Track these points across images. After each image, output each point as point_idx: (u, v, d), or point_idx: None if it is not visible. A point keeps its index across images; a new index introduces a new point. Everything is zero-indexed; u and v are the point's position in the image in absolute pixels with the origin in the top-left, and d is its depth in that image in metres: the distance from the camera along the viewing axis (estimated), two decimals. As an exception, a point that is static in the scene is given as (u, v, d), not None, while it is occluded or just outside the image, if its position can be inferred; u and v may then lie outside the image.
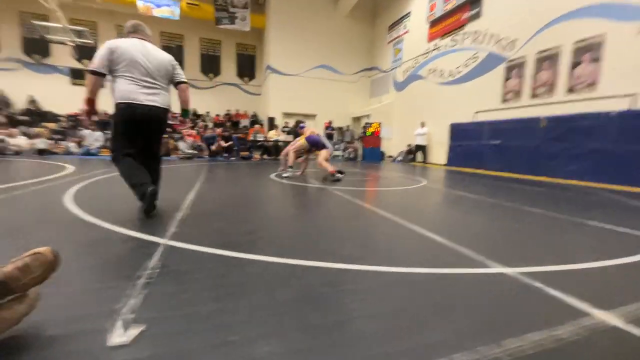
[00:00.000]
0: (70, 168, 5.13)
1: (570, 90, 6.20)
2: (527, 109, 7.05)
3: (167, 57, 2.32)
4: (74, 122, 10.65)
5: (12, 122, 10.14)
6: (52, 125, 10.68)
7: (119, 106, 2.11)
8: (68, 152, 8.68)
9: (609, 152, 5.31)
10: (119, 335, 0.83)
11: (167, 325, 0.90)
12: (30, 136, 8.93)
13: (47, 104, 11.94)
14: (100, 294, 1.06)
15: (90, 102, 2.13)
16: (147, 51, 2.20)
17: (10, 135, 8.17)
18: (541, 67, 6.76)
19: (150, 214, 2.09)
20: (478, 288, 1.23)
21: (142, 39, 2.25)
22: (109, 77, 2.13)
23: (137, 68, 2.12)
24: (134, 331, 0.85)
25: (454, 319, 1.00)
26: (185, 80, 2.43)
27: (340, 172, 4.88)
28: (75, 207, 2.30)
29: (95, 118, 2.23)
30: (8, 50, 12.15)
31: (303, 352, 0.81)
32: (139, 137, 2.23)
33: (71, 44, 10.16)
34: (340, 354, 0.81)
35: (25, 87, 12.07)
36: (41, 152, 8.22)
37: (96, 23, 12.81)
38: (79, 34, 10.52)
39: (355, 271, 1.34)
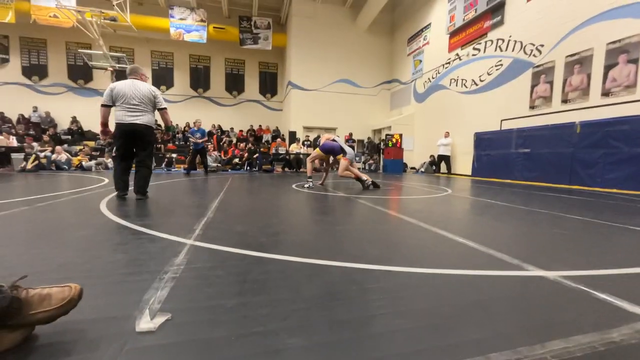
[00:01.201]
0: (106, 180, 5.45)
1: (606, 93, 5.87)
2: (558, 115, 6.72)
3: (148, 89, 3.25)
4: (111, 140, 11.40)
5: (57, 140, 11.03)
6: (91, 144, 11.50)
7: (116, 124, 3.18)
8: (105, 167, 9.26)
9: (655, 158, 4.91)
10: (146, 322, 0.84)
11: (192, 316, 0.90)
12: (72, 153, 9.65)
13: (88, 124, 12.90)
14: (130, 285, 1.09)
15: (104, 124, 3.30)
16: (135, 87, 3.18)
17: (55, 152, 8.86)
18: (572, 71, 6.47)
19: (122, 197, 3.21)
20: (516, 290, 1.15)
21: (135, 78, 3.25)
22: (113, 107, 3.19)
23: (127, 99, 3.13)
24: (160, 319, 0.86)
25: (490, 319, 0.93)
26: (165, 106, 3.38)
27: (374, 184, 4.79)
28: (110, 213, 2.43)
29: (110, 134, 3.36)
30: (55, 76, 13.38)
31: (328, 345, 0.78)
32: (128, 144, 3.24)
33: (111, 69, 11.06)
34: (369, 348, 0.77)
35: (69, 109, 13.15)
36: (81, 167, 8.83)
37: (133, 50, 13.89)
38: (118, 59, 11.46)
39: (382, 271, 1.29)
